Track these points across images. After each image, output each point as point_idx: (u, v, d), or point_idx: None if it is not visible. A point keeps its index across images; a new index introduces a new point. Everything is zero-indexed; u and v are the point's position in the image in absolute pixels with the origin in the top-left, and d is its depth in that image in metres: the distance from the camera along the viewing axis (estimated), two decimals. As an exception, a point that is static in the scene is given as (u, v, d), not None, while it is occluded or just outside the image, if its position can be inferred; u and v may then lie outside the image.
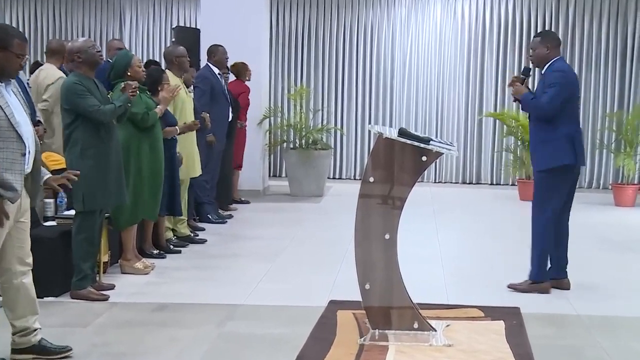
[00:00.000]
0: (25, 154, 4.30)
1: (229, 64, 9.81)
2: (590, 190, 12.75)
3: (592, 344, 4.99)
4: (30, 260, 4.54)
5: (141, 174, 6.60)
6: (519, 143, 11.92)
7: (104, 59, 7.39)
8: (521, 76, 6.23)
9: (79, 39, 6.09)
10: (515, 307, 5.62)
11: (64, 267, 5.96)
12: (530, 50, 6.17)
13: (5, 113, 4.20)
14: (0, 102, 4.21)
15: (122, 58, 6.62)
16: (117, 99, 5.94)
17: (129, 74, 6.49)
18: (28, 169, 4.36)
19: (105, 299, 5.86)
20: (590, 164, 12.93)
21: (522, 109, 6.07)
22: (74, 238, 5.88)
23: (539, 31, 6.71)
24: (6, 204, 4.19)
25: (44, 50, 8.56)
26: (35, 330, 4.50)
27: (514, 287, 6.14)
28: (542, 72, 6.10)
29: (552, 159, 5.91)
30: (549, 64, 6.00)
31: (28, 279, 4.52)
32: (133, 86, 6.03)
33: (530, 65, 6.63)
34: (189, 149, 7.83)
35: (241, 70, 10.24)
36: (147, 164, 6.63)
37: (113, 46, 9.01)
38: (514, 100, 6.36)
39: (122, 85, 6.16)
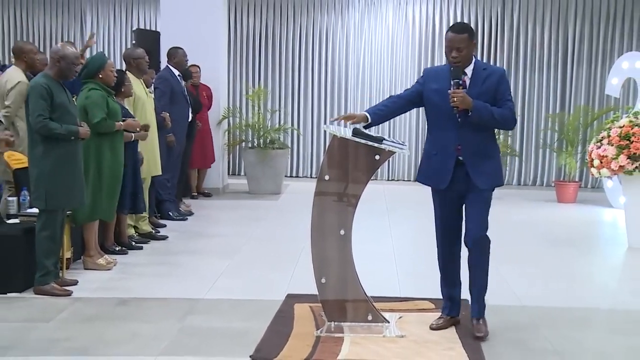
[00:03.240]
0: None
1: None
2: (534, 188, 12.96)
3: (535, 334, 5.06)
4: None
5: (101, 174, 6.53)
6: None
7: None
8: (459, 83, 4.71)
9: (68, 47, 5.98)
10: (463, 299, 5.66)
11: (26, 263, 5.89)
12: (455, 51, 4.70)
13: None
14: None
15: (97, 60, 6.61)
16: (67, 128, 5.71)
17: (100, 76, 6.45)
18: None
19: (69, 294, 5.79)
20: (534, 162, 13.16)
21: (474, 119, 4.64)
22: (37, 235, 5.81)
23: (453, 24, 5.24)
24: None
25: (11, 51, 8.40)
26: None
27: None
28: (468, 73, 4.77)
29: (498, 177, 4.87)
30: (472, 63, 4.79)
31: None
32: (136, 129, 6.58)
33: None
34: (150, 148, 7.78)
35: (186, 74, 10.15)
36: (106, 165, 6.56)
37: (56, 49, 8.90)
38: (458, 112, 4.67)
39: (122, 122, 6.59)
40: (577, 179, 12.10)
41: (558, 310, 5.66)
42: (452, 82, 4.69)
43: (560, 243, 8.35)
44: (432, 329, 4.96)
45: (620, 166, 7.81)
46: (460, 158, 4.74)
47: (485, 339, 4.82)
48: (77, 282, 6.09)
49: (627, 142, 7.80)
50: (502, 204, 10.66)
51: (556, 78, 13.01)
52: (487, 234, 4.88)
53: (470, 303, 5.05)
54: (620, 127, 7.97)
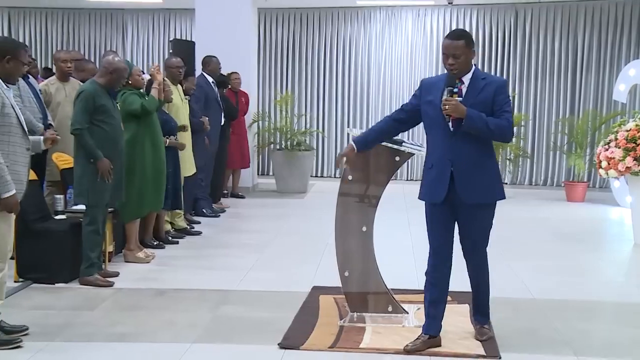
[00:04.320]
0: (29, 149, 4.38)
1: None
2: (544, 187, 12.86)
3: (545, 325, 5.03)
4: (11, 249, 4.58)
5: (145, 171, 6.58)
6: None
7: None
8: (454, 90, 4.24)
9: (117, 59, 6.09)
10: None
11: (73, 256, 5.95)
12: (451, 58, 4.22)
13: (15, 112, 4.30)
14: (12, 102, 4.30)
15: None
16: (94, 150, 5.72)
17: (129, 82, 6.50)
18: (28, 164, 4.41)
19: (111, 285, 5.84)
20: (545, 163, 13.05)
21: (467, 128, 4.16)
22: (84, 230, 5.87)
23: (451, 30, 4.83)
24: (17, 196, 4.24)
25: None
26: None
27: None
28: (465, 82, 4.29)
29: (490, 192, 4.35)
30: (471, 71, 4.31)
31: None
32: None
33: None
34: (184, 150, 7.81)
35: (224, 82, 10.20)
36: (150, 162, 6.61)
37: (107, 56, 8.97)
38: (450, 120, 4.21)
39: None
40: (585, 180, 11.99)
41: (567, 303, 5.62)
42: (446, 90, 4.24)
43: (570, 239, 8.28)
44: (406, 350, 4.36)
45: (627, 167, 7.75)
46: (452, 169, 4.24)
47: (488, 339, 4.53)
48: (119, 273, 6.14)
49: (634, 144, 7.73)
50: (515, 202, 10.61)
51: (566, 84, 12.90)
52: (486, 250, 4.53)
53: (472, 313, 4.77)
54: (627, 131, 7.91)
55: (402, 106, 4.57)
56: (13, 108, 4.29)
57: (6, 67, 4.34)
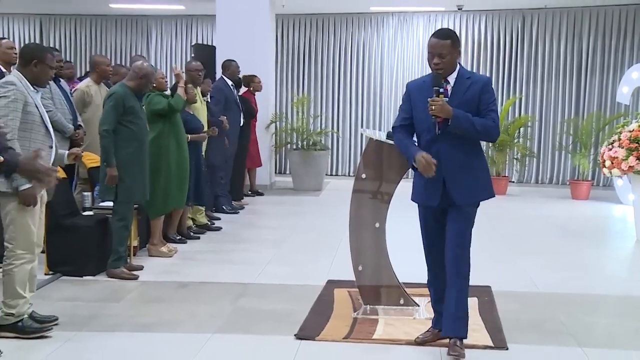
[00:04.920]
0: (52, 147, 4.41)
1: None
2: (550, 186, 12.79)
3: (551, 317, 5.00)
4: (42, 244, 4.58)
5: (170, 169, 6.61)
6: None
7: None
8: (440, 90, 4.01)
9: (147, 64, 6.14)
10: (487, 285, 5.63)
11: (99, 250, 5.99)
12: (437, 57, 4.00)
13: (39, 111, 4.36)
14: (36, 102, 4.36)
15: None
16: (110, 156, 5.76)
17: (154, 85, 6.52)
18: (51, 161, 4.41)
19: (136, 278, 5.87)
20: (551, 163, 12.99)
21: (454, 129, 3.97)
22: (114, 225, 5.91)
23: (437, 29, 4.24)
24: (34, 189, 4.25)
25: (88, 63, 8.55)
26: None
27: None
28: (450, 81, 4.07)
29: (479, 192, 4.15)
30: (456, 71, 4.09)
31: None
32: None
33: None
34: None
35: (248, 81, 10.22)
36: (174, 160, 6.64)
37: (136, 61, 8.99)
38: (437, 121, 4.01)
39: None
40: (589, 178, 11.90)
41: (572, 297, 5.59)
42: (433, 90, 4.00)
43: (574, 236, 8.24)
44: (417, 342, 4.35)
45: (629, 166, 7.70)
46: (442, 172, 4.04)
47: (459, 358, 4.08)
48: (143, 267, 6.16)
49: (637, 144, 7.68)
50: (521, 200, 10.58)
51: (571, 86, 12.82)
52: (469, 252, 4.17)
53: (443, 320, 4.24)
54: (630, 132, 7.86)
55: (399, 114, 4.28)
56: (37, 108, 4.34)
57: (34, 71, 4.40)
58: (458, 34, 12.56)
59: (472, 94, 4.04)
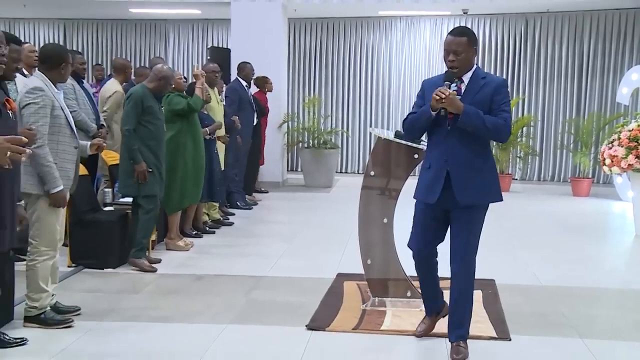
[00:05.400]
0: (77, 147, 4.42)
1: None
2: (552, 183, 12.71)
3: (553, 310, 4.97)
4: (62, 238, 4.58)
5: (186, 166, 6.62)
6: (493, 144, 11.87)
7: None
8: (450, 85, 3.87)
9: (166, 67, 6.18)
10: (491, 279, 5.60)
11: (119, 244, 6.00)
12: (452, 54, 3.83)
13: (64, 113, 4.35)
14: (61, 104, 4.35)
15: None
16: (135, 154, 5.79)
17: (172, 86, 6.53)
18: (77, 161, 4.45)
19: (155, 270, 5.88)
20: (553, 161, 12.91)
21: (463, 124, 3.77)
22: (141, 218, 5.93)
23: (454, 27, 4.10)
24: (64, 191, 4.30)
25: (112, 65, 8.56)
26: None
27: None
28: (465, 80, 3.89)
29: (485, 194, 3.92)
30: (472, 70, 3.91)
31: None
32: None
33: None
34: (218, 147, 7.80)
35: (261, 82, 10.22)
36: (190, 158, 6.65)
37: (156, 63, 9.00)
38: (447, 114, 3.80)
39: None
40: (590, 176, 11.82)
41: (573, 290, 5.56)
42: (444, 85, 3.83)
43: (575, 231, 8.19)
44: (418, 336, 4.28)
45: (629, 164, 7.66)
46: (448, 169, 3.85)
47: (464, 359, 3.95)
48: (161, 260, 6.17)
49: (636, 143, 7.64)
50: (524, 197, 10.52)
51: (572, 87, 12.73)
52: (475, 257, 4.00)
53: (448, 327, 4.08)
54: (630, 131, 7.81)
55: (412, 108, 4.08)
56: (62, 110, 4.34)
57: (62, 73, 4.41)
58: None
59: (484, 94, 3.84)
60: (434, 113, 3.79)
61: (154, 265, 5.96)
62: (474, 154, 3.86)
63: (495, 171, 4.05)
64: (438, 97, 3.73)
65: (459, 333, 4.01)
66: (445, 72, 3.91)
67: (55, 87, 4.39)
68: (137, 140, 5.81)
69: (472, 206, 3.88)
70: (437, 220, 4.01)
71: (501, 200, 3.97)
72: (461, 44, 3.82)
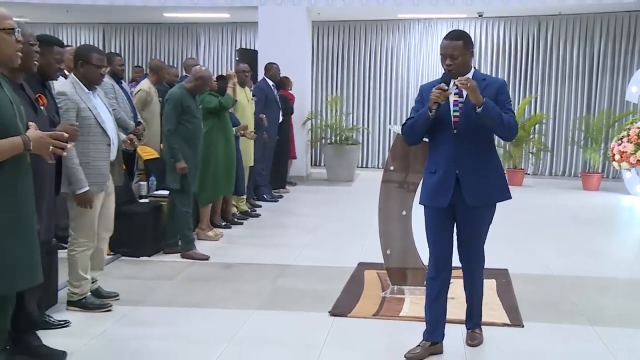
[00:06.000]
0: (109, 145, 4.38)
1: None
2: (563, 178, 12.57)
3: (564, 298, 4.94)
4: (112, 228, 4.63)
5: (219, 161, 6.66)
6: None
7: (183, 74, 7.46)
8: (448, 83, 3.61)
9: (204, 69, 6.20)
10: (504, 268, 5.57)
11: (154, 234, 6.04)
12: (449, 59, 3.60)
13: (93, 114, 4.26)
14: (89, 106, 4.26)
15: None
16: (175, 152, 5.84)
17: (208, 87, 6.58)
18: (112, 157, 4.44)
19: (207, 258, 5.92)
20: (564, 156, 12.78)
21: (482, 117, 3.53)
22: (179, 211, 5.97)
23: (450, 30, 3.89)
24: (91, 193, 4.25)
25: (148, 66, 8.63)
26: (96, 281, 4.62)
27: None
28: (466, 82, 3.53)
29: (493, 193, 3.71)
30: (471, 73, 3.66)
31: (105, 244, 4.63)
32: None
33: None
34: (247, 144, 7.83)
35: (285, 82, 10.23)
36: (222, 152, 6.68)
37: (189, 64, 9.04)
38: (454, 119, 3.63)
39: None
40: (600, 171, 11.67)
41: (584, 279, 5.51)
42: (452, 82, 3.57)
43: (585, 224, 8.11)
44: (407, 358, 3.73)
45: (637, 160, 7.57)
46: (457, 172, 3.62)
47: (478, 345, 3.91)
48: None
49: (644, 140, 7.54)
50: (536, 191, 10.43)
51: (583, 86, 12.58)
52: (484, 251, 3.87)
53: (466, 316, 4.03)
54: (638, 128, 7.70)
55: (411, 115, 3.77)
56: (91, 111, 4.23)
57: (80, 71, 4.27)
58: (479, 39, 12.65)
59: (488, 95, 3.59)
60: (431, 113, 3.57)
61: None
62: (481, 155, 3.66)
63: (502, 170, 3.85)
64: (438, 92, 3.52)
65: (475, 321, 4.04)
66: (443, 74, 3.66)
67: (89, 88, 4.28)
68: (177, 139, 5.86)
69: (481, 206, 3.70)
70: (448, 224, 3.75)
71: (510, 198, 3.77)
72: (457, 48, 3.60)
